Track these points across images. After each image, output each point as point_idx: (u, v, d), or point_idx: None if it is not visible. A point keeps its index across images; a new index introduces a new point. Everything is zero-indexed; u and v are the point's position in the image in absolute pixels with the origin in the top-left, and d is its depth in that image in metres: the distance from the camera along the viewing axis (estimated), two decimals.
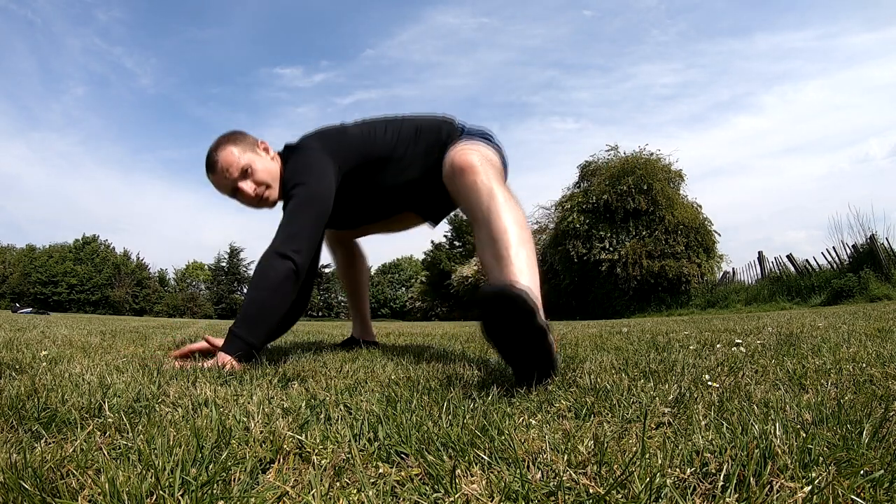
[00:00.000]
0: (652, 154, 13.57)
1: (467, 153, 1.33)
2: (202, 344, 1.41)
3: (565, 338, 2.31)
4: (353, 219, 1.75)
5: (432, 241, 26.84)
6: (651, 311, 11.55)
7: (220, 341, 1.32)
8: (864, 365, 1.04)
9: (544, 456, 0.51)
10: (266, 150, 1.53)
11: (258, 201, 1.50)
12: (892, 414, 0.62)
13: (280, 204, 1.52)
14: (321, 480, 0.47)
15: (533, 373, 0.88)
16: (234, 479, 0.48)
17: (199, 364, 1.19)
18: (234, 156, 1.47)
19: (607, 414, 0.70)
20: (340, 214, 1.64)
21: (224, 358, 1.22)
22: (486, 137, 1.53)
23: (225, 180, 1.48)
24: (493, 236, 1.19)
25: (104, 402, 0.72)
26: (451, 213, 1.91)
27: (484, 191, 1.24)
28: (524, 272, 1.12)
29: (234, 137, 1.51)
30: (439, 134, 1.54)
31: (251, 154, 1.49)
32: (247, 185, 1.47)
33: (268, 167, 1.50)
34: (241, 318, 1.29)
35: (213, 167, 1.48)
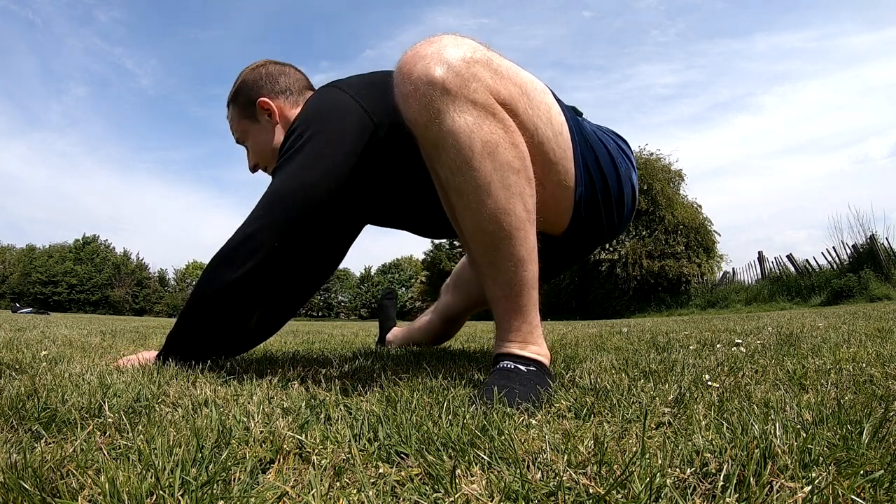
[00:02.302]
0: (652, 154, 13.59)
1: (423, 41, 0.80)
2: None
3: (565, 338, 2.31)
4: (418, 219, 1.22)
5: (432, 241, 26.84)
6: (651, 311, 11.56)
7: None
8: (864, 365, 1.04)
9: (544, 456, 0.51)
10: (268, 111, 1.18)
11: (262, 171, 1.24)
12: (892, 414, 0.62)
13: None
14: (321, 480, 0.47)
15: None
16: (234, 479, 0.48)
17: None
18: (231, 120, 1.23)
19: (607, 414, 0.70)
20: (407, 205, 1.14)
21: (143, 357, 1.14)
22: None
23: (233, 136, 1.27)
24: (459, 224, 0.86)
25: (104, 402, 0.72)
26: None
27: (431, 115, 0.75)
28: (511, 295, 0.86)
29: (241, 91, 1.20)
30: None
31: (247, 121, 1.20)
32: (248, 156, 1.25)
33: (264, 140, 1.18)
34: (175, 328, 1.08)
35: (227, 117, 1.28)
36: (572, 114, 1.01)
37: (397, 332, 1.98)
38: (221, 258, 0.99)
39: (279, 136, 1.16)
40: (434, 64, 0.76)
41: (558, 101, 0.98)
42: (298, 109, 1.18)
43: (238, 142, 1.27)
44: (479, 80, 0.78)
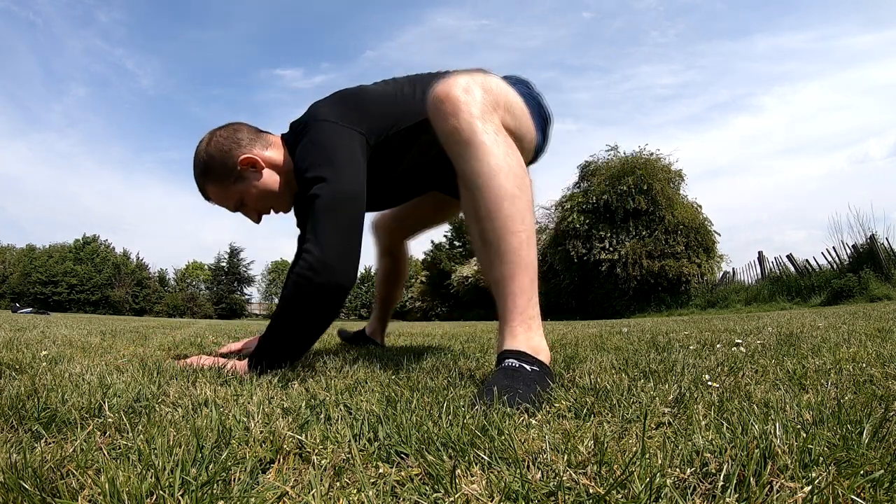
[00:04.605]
0: (652, 154, 13.58)
1: (449, 79, 1.00)
2: (239, 345, 1.55)
3: (565, 338, 2.31)
4: (381, 200, 1.49)
5: (432, 241, 26.83)
6: (651, 311, 11.55)
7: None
8: (864, 365, 1.04)
9: (544, 456, 0.51)
10: (251, 164, 1.25)
11: (264, 216, 1.35)
12: (892, 414, 0.62)
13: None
14: (321, 480, 0.47)
15: None
16: (234, 479, 0.48)
17: (201, 363, 1.19)
18: (220, 195, 1.28)
19: (607, 414, 0.70)
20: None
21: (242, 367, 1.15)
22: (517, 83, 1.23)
23: (226, 208, 1.33)
24: (476, 211, 0.98)
25: (104, 402, 0.72)
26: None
27: (464, 134, 0.96)
28: (516, 273, 0.94)
29: (211, 169, 1.25)
30: None
31: (235, 186, 1.26)
32: (247, 214, 1.32)
33: (260, 188, 1.27)
34: (273, 340, 1.13)
35: (209, 199, 1.33)
36: (526, 89, 1.26)
37: (370, 325, 2.05)
38: (313, 269, 1.06)
39: (273, 177, 1.28)
40: (463, 96, 0.98)
41: (523, 86, 1.25)
42: (272, 148, 1.29)
43: (235, 210, 1.32)
44: (496, 110, 1.02)
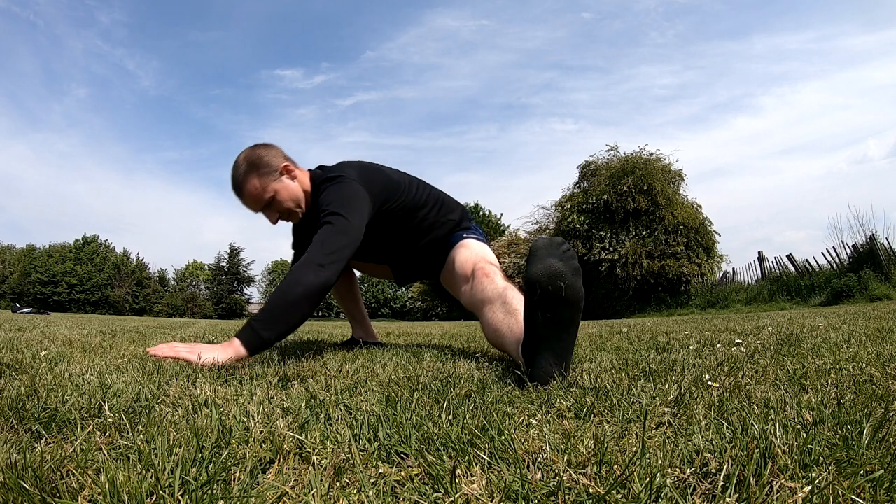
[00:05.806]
0: (652, 154, 13.57)
1: (488, 268, 1.59)
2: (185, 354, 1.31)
3: None
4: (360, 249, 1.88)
5: None
6: (651, 311, 11.55)
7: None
8: (864, 365, 1.04)
9: (544, 456, 0.51)
10: (289, 172, 1.60)
11: (280, 221, 1.65)
12: (892, 414, 0.62)
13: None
14: (321, 480, 0.47)
15: (552, 359, 0.95)
16: (234, 479, 0.48)
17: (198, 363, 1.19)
18: (258, 189, 1.56)
19: (607, 414, 0.70)
20: None
21: (233, 344, 1.27)
22: (483, 235, 1.85)
23: (251, 207, 1.61)
24: (506, 303, 1.37)
25: (104, 402, 0.72)
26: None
27: (500, 286, 1.46)
28: None
29: (258, 165, 1.56)
30: (454, 213, 1.79)
31: (274, 184, 1.57)
32: (270, 214, 1.61)
33: (291, 192, 1.60)
34: (265, 315, 1.32)
35: (240, 194, 1.60)
36: (482, 235, 1.84)
37: (356, 331, 2.21)
38: (319, 259, 1.37)
39: (300, 190, 1.63)
40: (496, 274, 1.50)
41: (475, 227, 1.85)
42: (301, 172, 1.65)
43: (262, 208, 1.60)
44: (500, 270, 1.56)
